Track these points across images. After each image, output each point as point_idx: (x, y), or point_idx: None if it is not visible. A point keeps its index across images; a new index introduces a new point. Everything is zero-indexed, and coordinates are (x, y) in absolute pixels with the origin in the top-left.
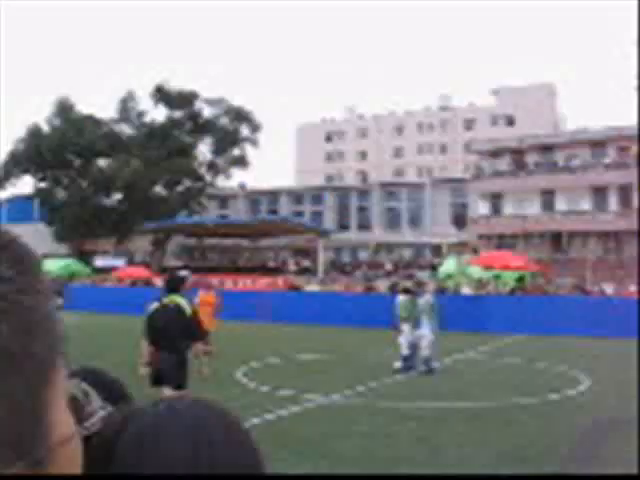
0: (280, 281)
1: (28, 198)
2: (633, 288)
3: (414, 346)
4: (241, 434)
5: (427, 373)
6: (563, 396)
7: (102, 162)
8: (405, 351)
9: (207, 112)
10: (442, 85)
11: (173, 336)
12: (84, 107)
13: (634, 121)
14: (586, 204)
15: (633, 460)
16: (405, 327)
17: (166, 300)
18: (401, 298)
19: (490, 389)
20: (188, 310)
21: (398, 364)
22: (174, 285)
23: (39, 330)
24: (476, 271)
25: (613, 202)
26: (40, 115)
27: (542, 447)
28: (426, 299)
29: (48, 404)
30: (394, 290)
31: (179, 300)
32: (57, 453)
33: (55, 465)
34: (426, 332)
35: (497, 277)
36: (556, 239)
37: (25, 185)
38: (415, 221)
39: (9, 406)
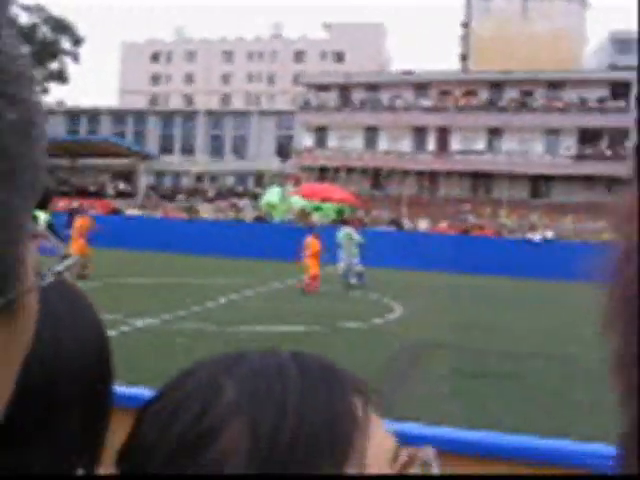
0: (99, 204)
1: None
2: (444, 225)
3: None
4: (86, 308)
5: None
6: (375, 323)
7: None
8: None
9: (23, 19)
10: (275, 14)
11: None
12: None
13: (456, 66)
14: (406, 143)
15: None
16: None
17: None
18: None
19: (310, 314)
20: None
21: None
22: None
23: (39, 138)
24: (298, 201)
25: (431, 143)
26: None
27: (354, 368)
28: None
29: (27, 248)
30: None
31: None
32: (24, 301)
33: (20, 312)
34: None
35: (318, 209)
36: (376, 175)
37: None
38: (239, 150)
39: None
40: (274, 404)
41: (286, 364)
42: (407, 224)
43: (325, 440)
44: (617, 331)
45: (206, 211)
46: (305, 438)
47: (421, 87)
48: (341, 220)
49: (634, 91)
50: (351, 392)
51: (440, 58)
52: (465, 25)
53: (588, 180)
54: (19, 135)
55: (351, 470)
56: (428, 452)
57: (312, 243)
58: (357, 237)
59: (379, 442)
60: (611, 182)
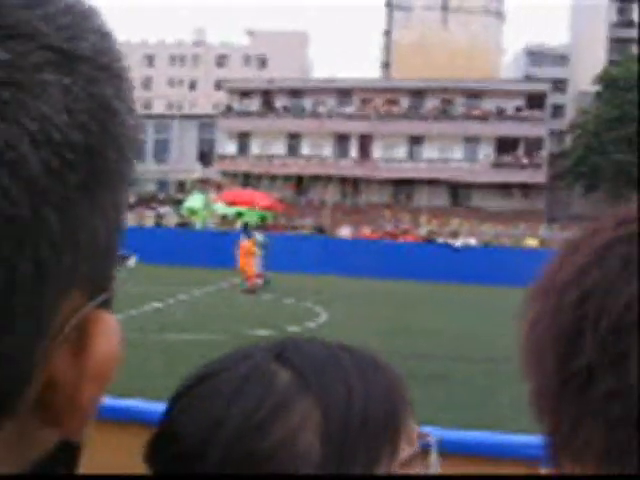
0: None
1: None
2: (367, 231)
3: None
4: None
5: None
6: (303, 328)
7: None
8: None
9: None
10: (197, 19)
11: None
12: None
13: (377, 74)
14: (329, 150)
15: None
16: None
17: None
18: None
19: (231, 321)
20: None
21: None
22: None
23: (137, 141)
24: (221, 208)
25: (354, 150)
26: None
27: None
28: None
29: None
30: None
31: None
32: (112, 297)
33: (111, 308)
34: None
35: (240, 215)
36: (299, 182)
37: None
38: (160, 155)
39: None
40: (339, 383)
41: (337, 351)
42: (332, 230)
43: (387, 417)
44: (532, 371)
45: (127, 217)
46: (372, 414)
47: (344, 94)
48: (244, 225)
49: (549, 102)
50: (393, 377)
51: (362, 65)
52: (387, 34)
53: (505, 187)
54: (132, 141)
55: (404, 445)
56: (432, 440)
57: (244, 244)
58: (261, 239)
59: (414, 424)
60: (526, 189)
